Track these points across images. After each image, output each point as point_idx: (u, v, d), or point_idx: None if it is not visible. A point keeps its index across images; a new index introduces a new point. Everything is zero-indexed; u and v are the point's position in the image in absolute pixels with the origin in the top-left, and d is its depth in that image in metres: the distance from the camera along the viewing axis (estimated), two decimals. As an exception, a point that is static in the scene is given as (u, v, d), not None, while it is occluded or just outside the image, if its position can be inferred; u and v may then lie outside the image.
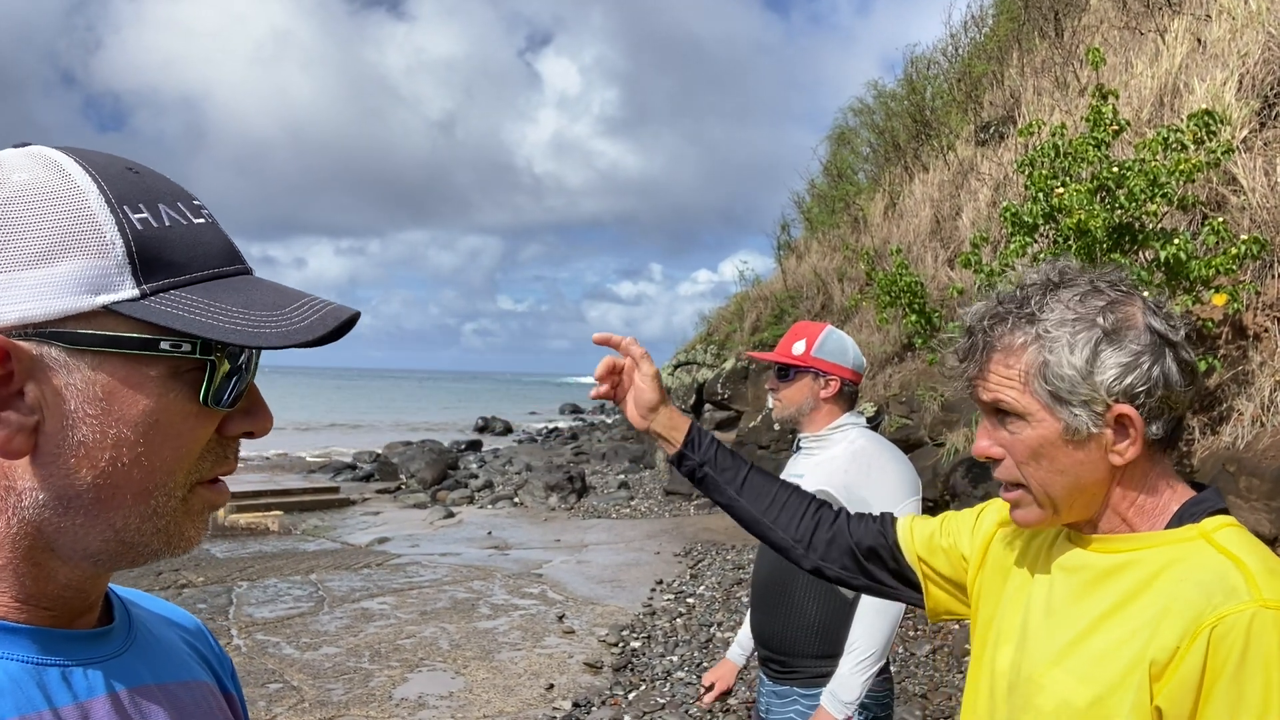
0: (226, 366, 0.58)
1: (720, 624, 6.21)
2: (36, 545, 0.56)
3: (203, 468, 0.60)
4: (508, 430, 30.39)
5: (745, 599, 6.77)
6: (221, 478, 0.62)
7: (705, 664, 5.41)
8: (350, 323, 0.59)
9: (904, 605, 1.88)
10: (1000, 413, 1.01)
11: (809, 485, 2.09)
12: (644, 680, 5.20)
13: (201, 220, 0.60)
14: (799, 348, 2.16)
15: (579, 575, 7.97)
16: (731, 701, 4.77)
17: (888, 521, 1.34)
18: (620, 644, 5.87)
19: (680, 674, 5.27)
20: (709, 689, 2.41)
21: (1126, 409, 0.95)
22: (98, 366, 0.54)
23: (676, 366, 13.49)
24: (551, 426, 31.30)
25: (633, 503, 12.12)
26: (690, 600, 6.89)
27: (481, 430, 30.00)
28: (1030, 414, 0.98)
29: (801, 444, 2.23)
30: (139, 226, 0.55)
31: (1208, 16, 8.36)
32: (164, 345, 0.55)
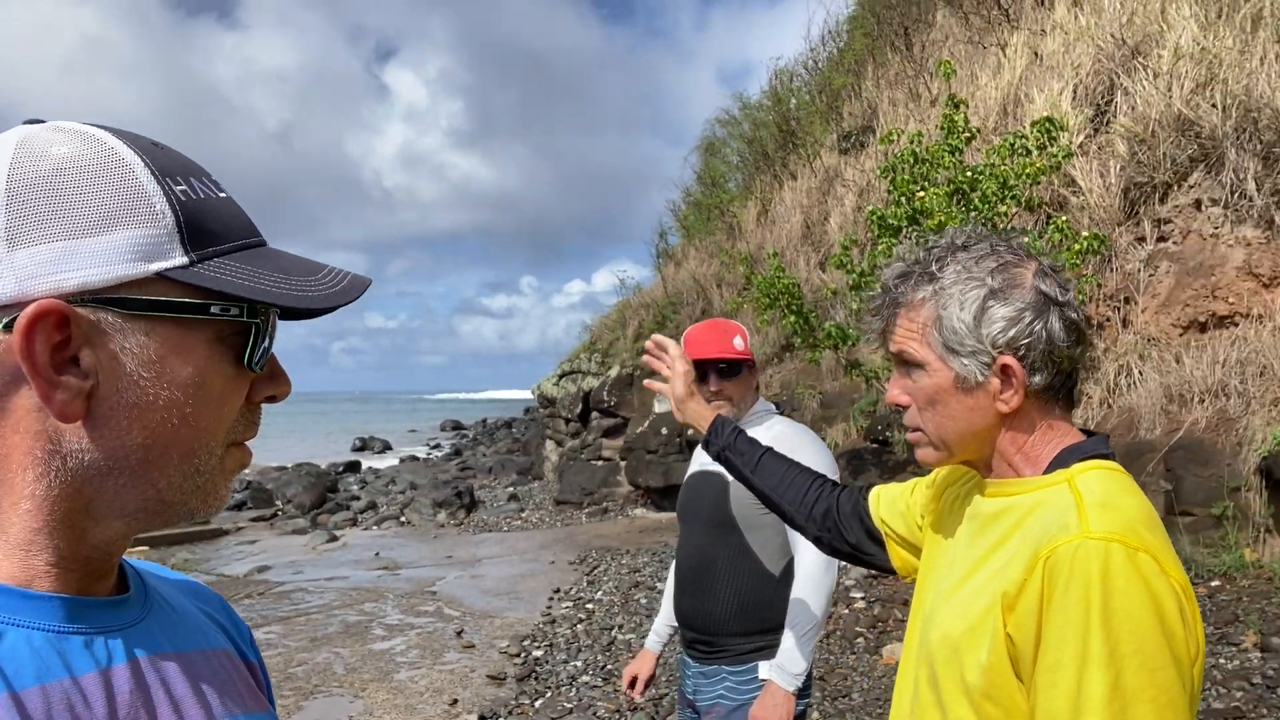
0: (269, 328, 0.61)
1: (621, 626, 6.27)
2: (75, 507, 0.57)
3: (237, 430, 0.63)
4: (387, 449, 29.55)
5: (644, 601, 6.85)
6: (245, 442, 0.65)
7: (609, 666, 5.45)
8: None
9: (835, 579, 2.06)
10: (905, 363, 1.11)
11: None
12: (549, 687, 5.19)
13: (224, 194, 0.62)
14: (739, 342, 2.18)
15: (474, 589, 7.86)
16: (639, 699, 4.83)
17: (863, 491, 1.49)
18: (522, 654, 5.84)
19: (586, 678, 5.29)
20: (632, 683, 2.43)
21: (1009, 360, 1.04)
22: (150, 331, 0.56)
23: (561, 376, 13.49)
24: (434, 443, 30.64)
25: (523, 514, 12.03)
26: (589, 606, 6.91)
27: (360, 450, 29.07)
28: (928, 363, 1.08)
29: None
30: (182, 197, 0.58)
31: (1043, 31, 9.06)
32: (214, 309, 0.58)
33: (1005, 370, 1.05)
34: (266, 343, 0.62)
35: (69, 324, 0.53)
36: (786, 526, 2.11)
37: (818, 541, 1.53)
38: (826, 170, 11.79)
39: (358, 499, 14.77)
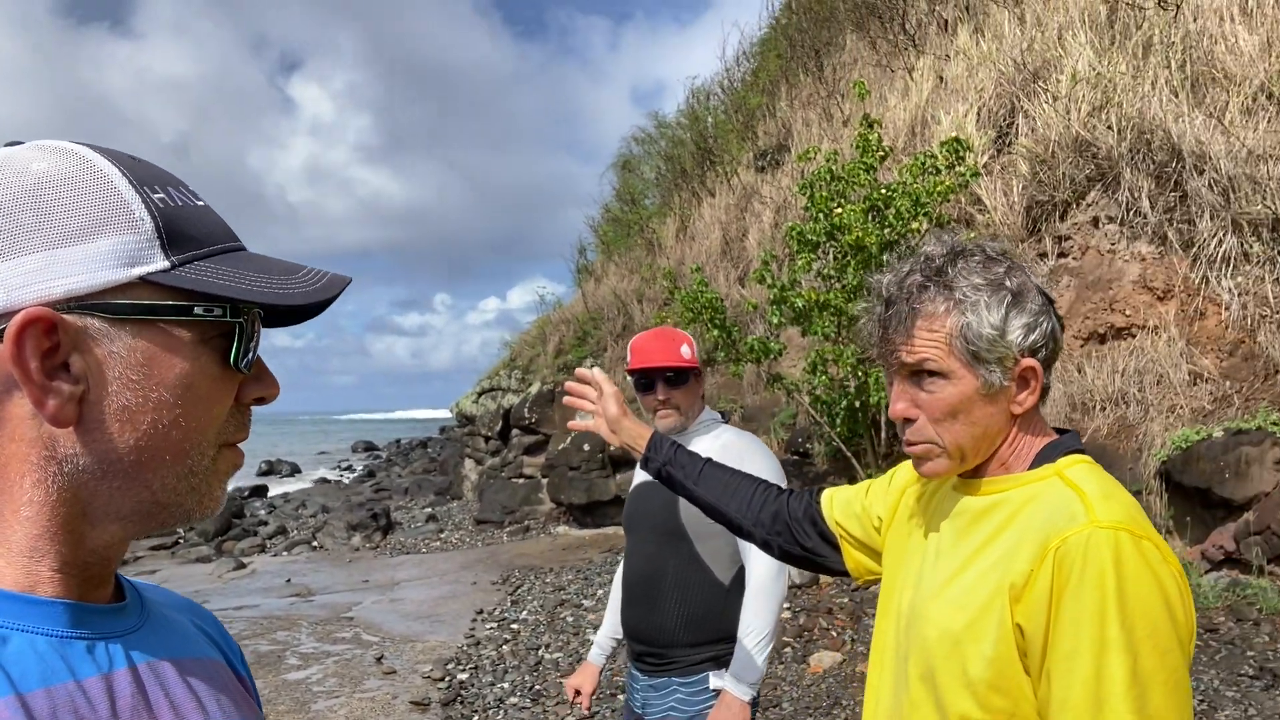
0: (253, 330, 0.63)
1: (548, 646, 6.16)
2: (73, 512, 0.58)
3: (228, 431, 0.64)
4: (296, 472, 28.58)
5: (570, 619, 6.76)
6: (238, 444, 0.66)
7: (537, 686, 5.35)
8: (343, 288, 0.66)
9: (786, 587, 2.05)
10: (918, 374, 1.10)
11: None
12: (476, 711, 5.06)
13: (202, 203, 0.64)
14: (687, 351, 2.16)
15: (393, 614, 7.63)
16: (585, 711, 4.75)
17: (814, 494, 1.48)
18: (446, 678, 5.68)
19: (514, 699, 5.17)
20: (577, 693, 2.38)
21: (1032, 363, 1.06)
22: (137, 334, 0.58)
23: (481, 393, 13.29)
24: (345, 465, 29.80)
25: (443, 535, 11.76)
26: (514, 626, 6.78)
27: (266, 475, 28.01)
28: (952, 373, 1.07)
29: None
30: (160, 205, 0.60)
31: (947, 56, 9.43)
32: (197, 310, 0.60)
33: (1024, 374, 1.07)
34: (251, 343, 0.63)
35: (57, 330, 0.55)
36: None
37: (766, 546, 1.51)
38: (744, 187, 11.98)
39: (266, 524, 14.22)
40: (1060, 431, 1.15)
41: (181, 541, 13.33)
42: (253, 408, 0.67)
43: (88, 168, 0.58)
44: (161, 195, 0.60)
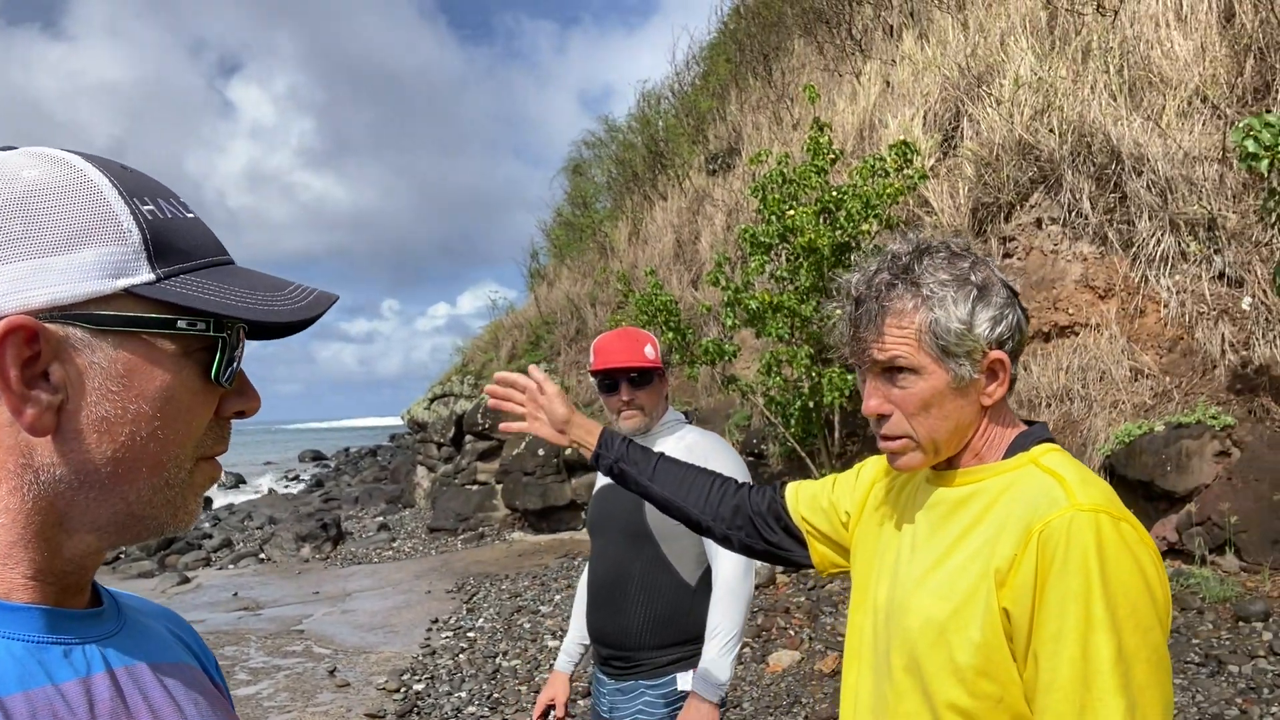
0: (237, 344, 0.63)
1: (505, 653, 6.09)
2: (49, 520, 0.58)
3: (206, 444, 0.64)
4: (241, 483, 27.95)
5: (527, 626, 6.70)
6: (216, 457, 0.66)
7: (495, 695, 5.28)
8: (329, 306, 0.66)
9: (753, 587, 2.04)
10: (890, 371, 1.11)
11: None
12: (433, 722, 4.98)
13: (191, 215, 0.64)
14: (650, 351, 2.14)
15: (346, 625, 7.48)
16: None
17: (778, 488, 1.47)
18: (402, 689, 5.58)
19: (471, 709, 5.10)
20: (546, 713, 2.34)
21: (1000, 355, 1.08)
22: (119, 346, 0.58)
23: (433, 400, 13.12)
24: (293, 475, 29.23)
25: (395, 544, 11.58)
26: (471, 634, 6.70)
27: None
28: (922, 368, 1.08)
29: None
30: (149, 217, 0.60)
31: (893, 61, 9.58)
32: (181, 324, 0.59)
33: (993, 366, 1.08)
34: (233, 357, 0.63)
35: (39, 339, 0.55)
36: None
37: (725, 540, 1.50)
38: (696, 190, 12.03)
39: (210, 537, 13.88)
40: (1029, 423, 1.17)
41: (123, 556, 12.90)
42: (232, 421, 0.67)
43: (78, 177, 0.58)
44: (151, 207, 0.60)
